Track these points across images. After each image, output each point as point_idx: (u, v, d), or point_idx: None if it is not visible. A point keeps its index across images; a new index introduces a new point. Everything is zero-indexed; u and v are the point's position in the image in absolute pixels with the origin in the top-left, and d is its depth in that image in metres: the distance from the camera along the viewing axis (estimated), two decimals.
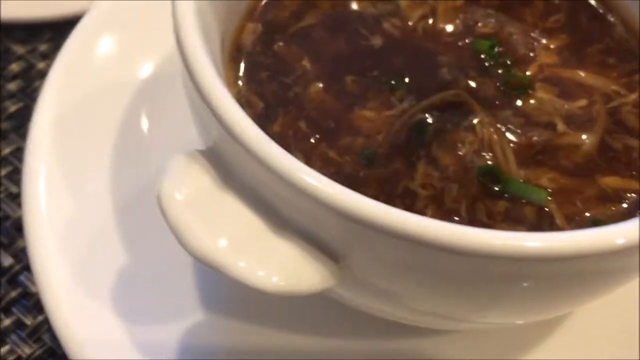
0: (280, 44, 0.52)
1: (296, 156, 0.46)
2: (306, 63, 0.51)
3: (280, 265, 0.37)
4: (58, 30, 0.72)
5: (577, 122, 0.48)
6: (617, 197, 0.45)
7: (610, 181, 0.46)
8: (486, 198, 0.45)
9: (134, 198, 0.52)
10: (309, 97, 0.49)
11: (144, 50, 0.58)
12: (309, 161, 0.46)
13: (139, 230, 0.51)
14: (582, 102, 0.49)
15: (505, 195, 0.45)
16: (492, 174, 0.46)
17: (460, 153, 0.47)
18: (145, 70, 0.58)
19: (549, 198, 0.45)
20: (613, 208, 0.44)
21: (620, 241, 0.35)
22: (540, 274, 0.38)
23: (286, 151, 0.43)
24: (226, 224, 0.37)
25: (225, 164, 0.39)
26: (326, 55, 0.51)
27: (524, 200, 0.45)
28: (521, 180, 0.45)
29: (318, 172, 0.40)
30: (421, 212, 0.44)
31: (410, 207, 0.44)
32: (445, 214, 0.44)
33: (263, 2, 0.53)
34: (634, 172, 0.46)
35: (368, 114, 0.49)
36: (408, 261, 0.37)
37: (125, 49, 0.58)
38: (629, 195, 0.45)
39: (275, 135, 0.47)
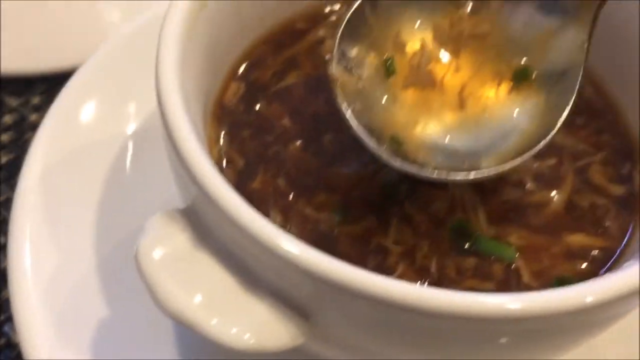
0: (262, 102, 0.54)
1: (274, 213, 0.48)
2: (286, 122, 0.53)
3: (251, 324, 0.38)
4: (52, 83, 0.73)
5: (546, 180, 0.50)
6: (583, 254, 0.46)
7: (577, 239, 0.47)
8: (456, 255, 0.46)
9: (116, 253, 0.53)
10: (288, 154, 0.51)
11: (131, 108, 0.60)
12: (285, 218, 0.48)
13: (120, 284, 0.52)
14: (551, 161, 0.51)
15: (475, 252, 0.47)
16: (463, 231, 0.47)
17: (432, 210, 0.48)
18: (132, 127, 0.60)
19: (517, 255, 0.46)
20: (579, 265, 0.46)
21: (589, 300, 0.37)
22: (509, 333, 0.39)
23: (264, 208, 0.45)
24: (201, 282, 0.39)
25: (202, 223, 0.41)
26: (306, 114, 0.53)
27: (492, 257, 0.46)
28: (490, 238, 0.47)
29: (295, 230, 0.44)
30: (393, 268, 0.46)
31: (382, 263, 0.46)
32: (415, 271, 0.46)
33: (246, 63, 0.56)
34: (599, 230, 0.48)
35: (345, 171, 0.50)
36: (377, 321, 0.38)
37: (113, 106, 0.60)
38: (594, 252, 0.47)
39: (254, 192, 0.49)
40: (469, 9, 0.51)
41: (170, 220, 0.41)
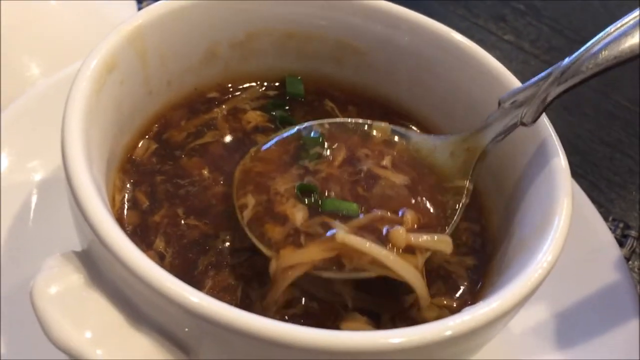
0: (177, 152, 0.60)
1: (159, 240, 0.54)
2: (205, 171, 0.59)
3: (135, 356, 0.42)
4: None
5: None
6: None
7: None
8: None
9: (15, 293, 0.55)
10: (199, 190, 0.57)
11: (41, 159, 0.64)
12: (168, 241, 0.54)
13: (21, 324, 0.54)
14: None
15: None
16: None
17: None
18: (39, 177, 0.64)
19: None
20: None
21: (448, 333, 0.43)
22: None
23: (154, 235, 0.53)
24: (91, 318, 0.43)
25: (96, 264, 0.45)
26: (223, 167, 0.59)
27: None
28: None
29: (175, 249, 0.52)
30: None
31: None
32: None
33: (157, 125, 0.61)
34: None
35: None
36: (251, 356, 0.43)
37: (24, 157, 0.64)
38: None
39: (152, 224, 0.55)
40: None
41: (67, 261, 0.45)
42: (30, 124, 0.65)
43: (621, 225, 0.81)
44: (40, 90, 0.67)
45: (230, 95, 0.66)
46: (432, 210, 0.55)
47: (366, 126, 0.60)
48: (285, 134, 0.59)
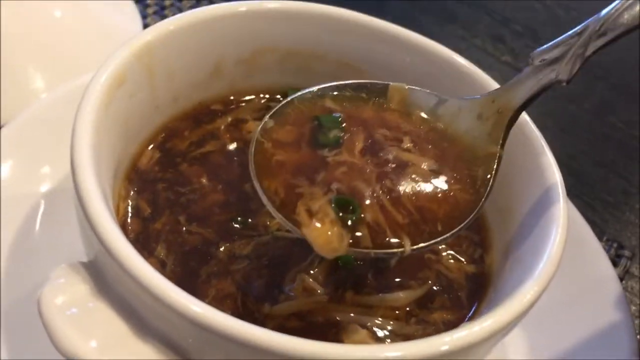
0: (182, 163, 0.61)
1: (160, 247, 0.55)
2: (204, 180, 0.60)
3: None
4: None
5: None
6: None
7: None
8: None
9: (22, 302, 0.56)
10: (199, 197, 0.58)
11: (46, 170, 0.65)
12: (169, 249, 0.55)
13: (25, 331, 0.55)
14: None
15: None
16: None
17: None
18: (46, 187, 0.65)
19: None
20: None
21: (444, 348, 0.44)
22: None
23: (155, 243, 0.54)
24: (97, 328, 0.44)
25: (102, 275, 0.46)
26: (223, 175, 0.60)
27: None
28: None
29: (176, 257, 0.53)
30: None
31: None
32: None
33: (162, 135, 0.63)
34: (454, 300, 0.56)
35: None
36: None
37: (30, 167, 0.65)
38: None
39: (153, 231, 0.56)
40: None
41: (74, 271, 0.46)
42: (37, 135, 0.66)
43: (615, 245, 0.83)
44: (47, 102, 0.68)
45: (233, 106, 0.67)
46: (462, 192, 0.53)
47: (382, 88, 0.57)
48: (295, 96, 0.56)
